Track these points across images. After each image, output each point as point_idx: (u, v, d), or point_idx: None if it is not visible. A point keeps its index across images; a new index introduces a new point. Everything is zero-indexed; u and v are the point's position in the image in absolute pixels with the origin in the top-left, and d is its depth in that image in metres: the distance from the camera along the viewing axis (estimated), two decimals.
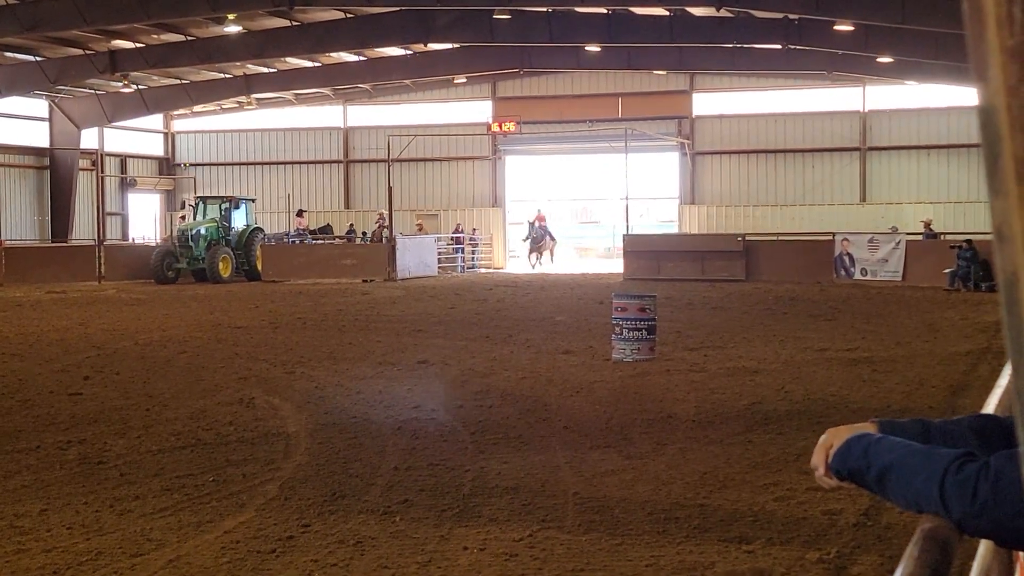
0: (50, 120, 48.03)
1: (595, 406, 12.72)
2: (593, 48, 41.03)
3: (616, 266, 41.06)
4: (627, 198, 41.59)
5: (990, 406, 3.33)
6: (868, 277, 35.00)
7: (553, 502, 8.39)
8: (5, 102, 44.03)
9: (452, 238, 47.05)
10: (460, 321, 22.70)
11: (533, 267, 45.89)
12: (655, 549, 7.26)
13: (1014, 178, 0.93)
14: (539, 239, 46.90)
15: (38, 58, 40.13)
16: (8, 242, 42.79)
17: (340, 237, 44.92)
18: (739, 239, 38.23)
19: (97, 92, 47.70)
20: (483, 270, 47.20)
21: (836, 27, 34.02)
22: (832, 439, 2.41)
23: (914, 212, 42.52)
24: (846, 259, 36.03)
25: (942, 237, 36.42)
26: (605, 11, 36.30)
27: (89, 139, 48.79)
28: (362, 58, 45.27)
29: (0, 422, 11.89)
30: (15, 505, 8.36)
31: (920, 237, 36.97)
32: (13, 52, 39.03)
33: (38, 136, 47.97)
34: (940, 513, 2.13)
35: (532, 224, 47.07)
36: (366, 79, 48.18)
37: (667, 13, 36.44)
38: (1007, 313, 0.95)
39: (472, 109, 51.14)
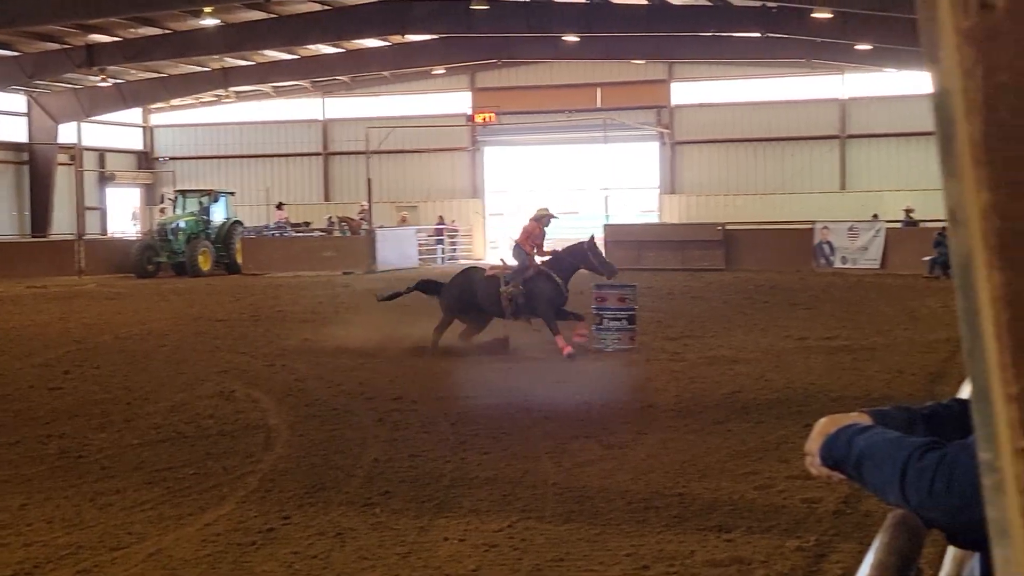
0: (28, 115, 47.78)
1: (575, 396, 12.74)
2: (571, 38, 40.97)
3: None
4: (607, 188, 41.58)
5: (964, 392, 3.35)
6: (848, 265, 35.09)
7: (533, 492, 8.39)
8: None
9: (435, 229, 46.95)
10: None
11: None
12: (635, 538, 7.27)
13: (969, 161, 0.94)
14: None
15: (15, 53, 39.89)
16: None
17: (322, 230, 44.77)
18: (719, 228, 38.27)
19: (75, 87, 47.44)
20: (464, 261, 47.16)
21: (814, 15, 34.05)
22: (828, 427, 2.40)
23: (894, 200, 42.58)
24: (826, 247, 36.13)
25: (922, 225, 36.53)
26: (583, 0, 36.29)
27: (67, 134, 48.54)
28: (340, 50, 45.13)
29: None
30: None
31: (900, 225, 37.09)
32: None
33: (16, 131, 47.70)
34: (901, 502, 2.13)
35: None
36: (344, 71, 48.04)
37: (645, 2, 36.48)
38: (961, 296, 0.96)
39: (451, 100, 51.03)
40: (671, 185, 48.52)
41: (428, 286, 18.71)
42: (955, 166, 0.93)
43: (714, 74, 47.65)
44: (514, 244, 18.25)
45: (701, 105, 48.28)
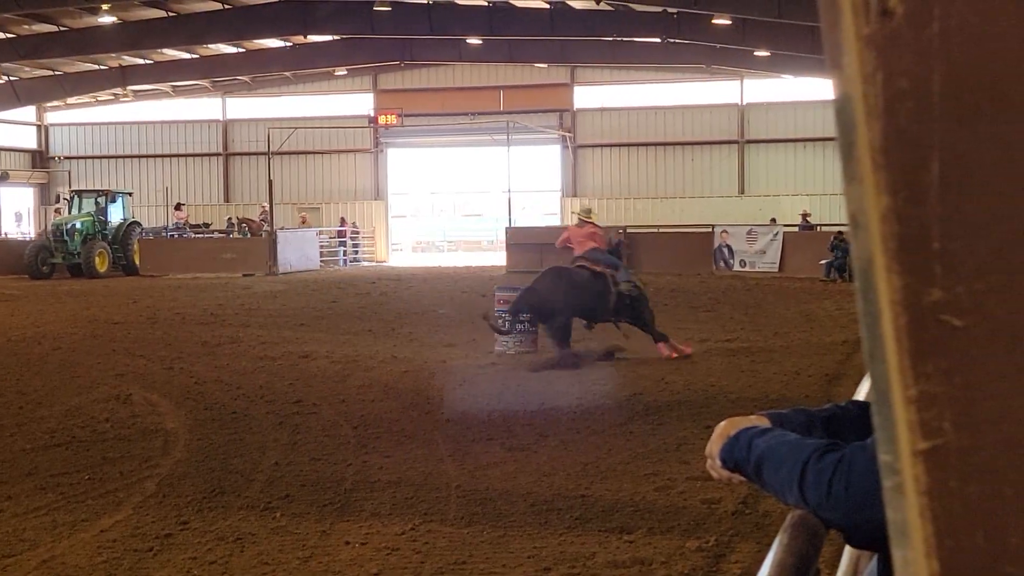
0: None
1: (478, 399, 12.73)
2: (474, 40, 41.02)
3: (499, 259, 41.13)
4: (509, 191, 41.68)
5: (861, 394, 3.40)
6: (747, 268, 35.53)
7: (436, 495, 8.38)
8: None
9: (338, 231, 46.69)
10: (343, 315, 22.57)
11: None
12: (537, 540, 7.29)
13: (869, 165, 0.94)
14: None
15: None
16: None
17: (221, 231, 44.30)
18: (620, 231, 38.55)
19: None
20: (366, 263, 47.00)
21: (714, 21, 34.47)
22: (728, 429, 2.41)
23: (791, 204, 43.25)
24: (725, 251, 36.55)
25: (819, 229, 37.14)
26: (486, 3, 36.37)
27: None
28: (241, 50, 44.71)
29: None
30: None
31: (796, 228, 37.66)
32: None
33: None
34: (800, 503, 2.15)
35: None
36: (245, 71, 47.59)
37: (547, 6, 36.62)
38: (862, 300, 0.97)
39: (353, 101, 50.81)
40: (573, 188, 48.77)
41: (537, 308, 16.17)
42: (856, 170, 0.94)
43: (616, 78, 47.99)
44: (589, 248, 17.11)
45: (603, 109, 48.61)
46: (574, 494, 8.41)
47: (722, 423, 2.44)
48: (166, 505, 8.13)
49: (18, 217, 51.95)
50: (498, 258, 42.14)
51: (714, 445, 2.41)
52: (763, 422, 2.42)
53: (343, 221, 47.70)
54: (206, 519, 7.73)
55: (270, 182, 41.84)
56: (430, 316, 22.35)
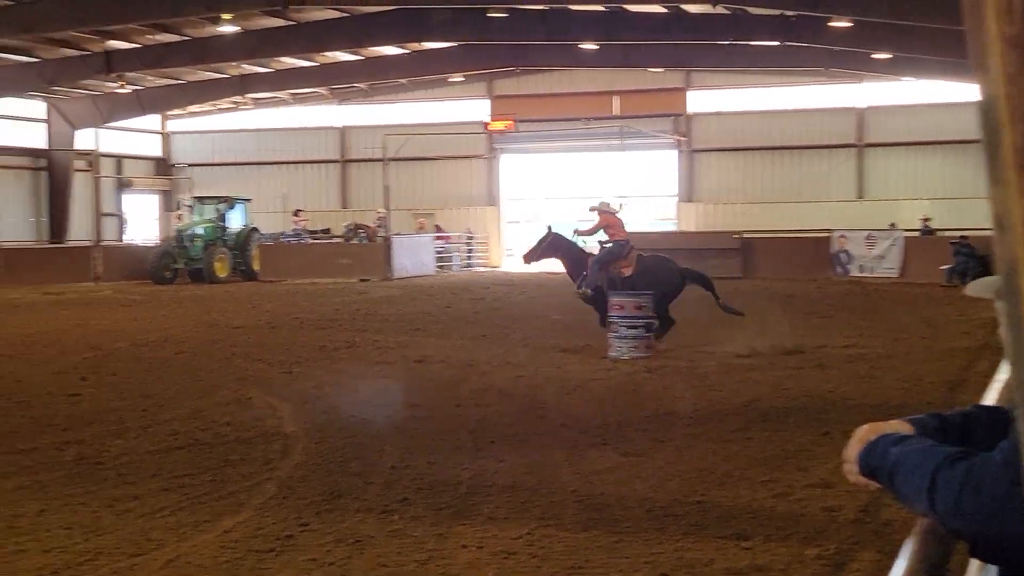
0: (48, 121, 48.00)
1: (592, 404, 12.72)
2: (589, 46, 40.95)
3: None
4: (624, 196, 41.52)
5: (988, 401, 3.32)
6: (865, 274, 35.00)
7: (551, 500, 8.38)
8: (2, 103, 43.99)
9: (435, 238, 46.84)
10: (457, 319, 22.71)
11: None
12: (653, 546, 7.25)
13: (1013, 167, 0.93)
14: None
15: (34, 59, 40.05)
16: (5, 243, 42.74)
17: (339, 237, 44.77)
18: (736, 236, 38.21)
19: (93, 93, 47.62)
20: (480, 269, 47.19)
21: (832, 23, 33.98)
22: (868, 434, 2.37)
23: (911, 209, 42.48)
24: (843, 256, 36.04)
25: (939, 234, 36.44)
26: (601, 8, 36.27)
27: (85, 140, 48.70)
28: (358, 57, 45.19)
29: None
30: (13, 506, 8.34)
31: (917, 234, 37.00)
32: (9, 54, 38.94)
33: (35, 137, 47.92)
34: (929, 512, 2.11)
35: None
36: (362, 78, 48.13)
37: (663, 10, 36.42)
38: (1007, 302, 0.95)
39: (469, 107, 51.08)
40: (688, 193, 48.47)
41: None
42: (1001, 173, 0.93)
43: (731, 82, 47.56)
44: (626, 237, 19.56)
45: (718, 113, 48.22)
46: (690, 500, 8.36)
47: (862, 427, 2.39)
48: (286, 507, 8.24)
49: (123, 222, 52.99)
50: None
51: (852, 450, 2.37)
52: (905, 428, 2.38)
53: (437, 228, 47.88)
54: (325, 521, 7.82)
55: (386, 188, 42.23)
56: (543, 321, 22.39)
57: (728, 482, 8.93)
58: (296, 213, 45.75)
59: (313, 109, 53.36)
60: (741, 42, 39.63)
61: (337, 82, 48.44)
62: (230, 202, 41.23)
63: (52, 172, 48.03)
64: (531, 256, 19.83)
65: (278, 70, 46.27)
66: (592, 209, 20.31)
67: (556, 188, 51.22)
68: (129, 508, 8.28)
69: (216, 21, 34.37)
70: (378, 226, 43.18)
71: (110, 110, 48.26)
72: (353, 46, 40.92)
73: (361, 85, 50.12)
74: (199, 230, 39.62)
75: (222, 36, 36.63)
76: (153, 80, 46.49)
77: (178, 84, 47.46)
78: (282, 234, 44.45)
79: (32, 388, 14.50)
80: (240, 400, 13.24)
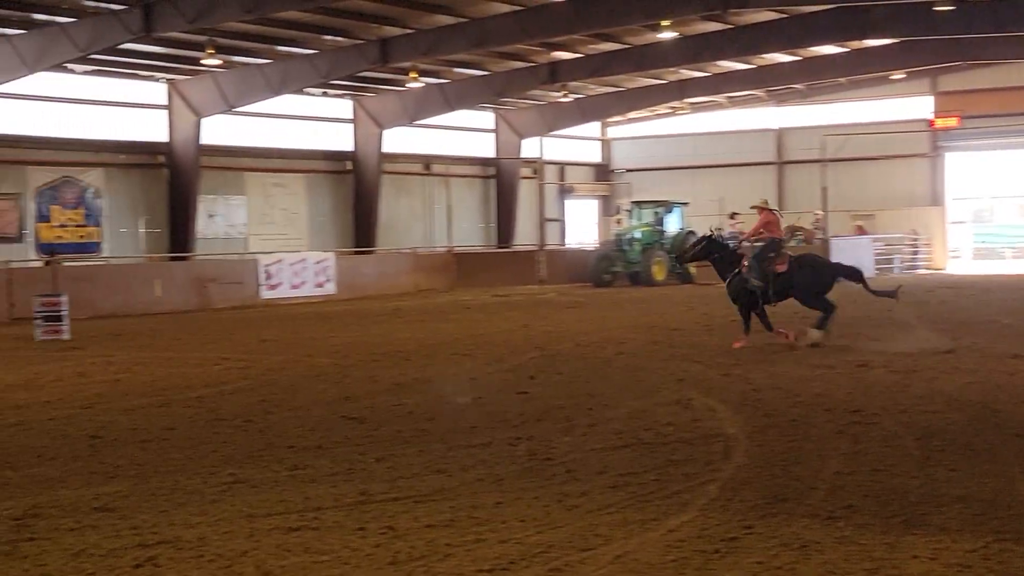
0: (496, 131, 50.43)
1: None
2: None
3: None
4: None
5: None
6: None
7: (1008, 513, 7.97)
8: (457, 116, 46.55)
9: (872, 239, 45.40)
10: (898, 323, 21.98)
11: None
12: None
13: None
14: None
15: (484, 72, 42.13)
16: (459, 248, 45.24)
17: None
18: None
19: (538, 103, 49.59)
20: (923, 271, 45.52)
21: None
22: None
23: None
24: None
25: None
26: None
27: (531, 148, 50.78)
28: (796, 58, 44.70)
29: (457, 419, 12.56)
30: (472, 497, 8.79)
31: None
32: (463, 68, 41.17)
33: (485, 147, 50.49)
34: None
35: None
36: (799, 79, 47.60)
37: None
38: None
39: (909, 105, 49.43)
40: None
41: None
42: None
43: None
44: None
45: None
46: None
47: None
48: (730, 509, 8.25)
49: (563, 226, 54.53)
50: None
51: None
52: None
53: (859, 229, 46.36)
54: (769, 525, 7.78)
55: (823, 189, 41.53)
56: (993, 326, 21.36)
57: None
58: (732, 216, 45.78)
59: (749, 112, 53.25)
60: None
61: (774, 84, 48.15)
62: (667, 206, 41.78)
63: (500, 180, 50.42)
64: (684, 258, 21.38)
65: (715, 74, 46.49)
66: (753, 207, 20.79)
67: (1003, 186, 48.71)
68: (577, 504, 8.53)
69: (656, 28, 34.94)
70: (816, 228, 42.53)
71: (554, 119, 50.09)
72: (791, 47, 40.54)
73: (798, 86, 49.54)
74: (637, 234, 40.41)
75: (661, 43, 37.19)
76: (594, 88, 47.85)
77: (617, 91, 48.60)
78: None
79: (486, 385, 15.25)
80: (680, 401, 13.38)
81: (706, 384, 14.75)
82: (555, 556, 7.18)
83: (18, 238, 34.98)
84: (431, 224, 48.40)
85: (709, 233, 20.75)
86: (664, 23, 33.95)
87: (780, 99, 52.22)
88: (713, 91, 48.93)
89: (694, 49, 38.80)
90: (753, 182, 52.83)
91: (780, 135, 52.92)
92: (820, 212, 42.79)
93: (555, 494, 8.84)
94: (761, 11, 35.56)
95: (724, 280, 19.77)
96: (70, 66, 34.39)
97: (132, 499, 8.95)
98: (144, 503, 8.81)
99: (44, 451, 11.23)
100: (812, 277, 19.10)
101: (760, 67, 45.73)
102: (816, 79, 47.94)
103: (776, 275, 19.04)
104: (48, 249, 34.79)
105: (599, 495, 8.78)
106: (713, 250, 20.01)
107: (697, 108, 53.33)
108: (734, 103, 52.77)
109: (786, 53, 43.11)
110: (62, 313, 23.57)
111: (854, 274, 19.79)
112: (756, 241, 19.91)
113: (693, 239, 40.55)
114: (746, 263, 19.34)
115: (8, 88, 32.92)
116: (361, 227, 44.09)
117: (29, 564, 7.23)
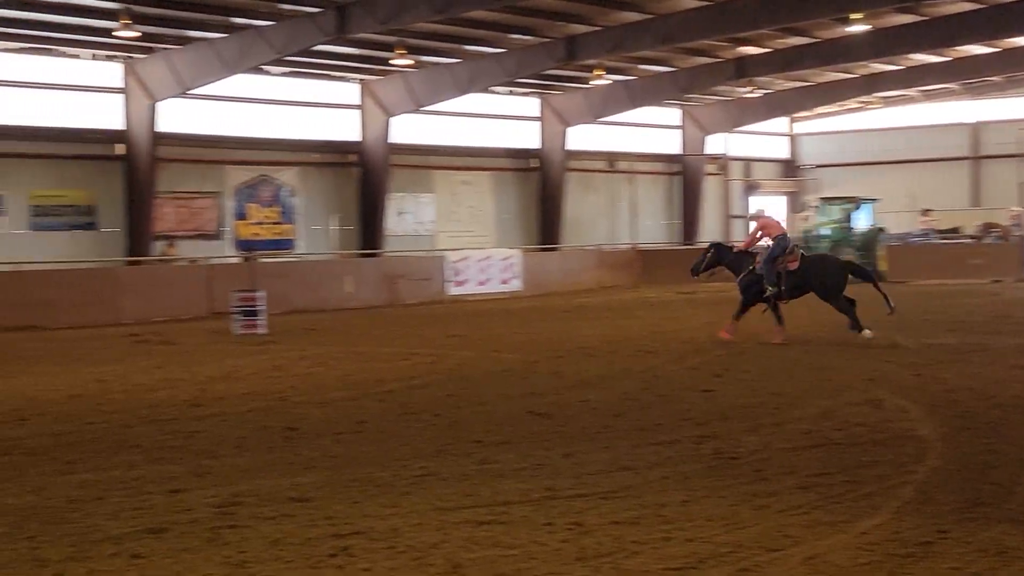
0: (681, 127, 50.16)
1: None
2: None
3: None
4: None
5: None
6: None
7: None
8: (641, 112, 46.44)
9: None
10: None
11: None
12: None
13: None
14: None
15: (670, 69, 41.94)
16: (643, 245, 45.16)
17: (970, 237, 43.14)
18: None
19: (724, 99, 49.15)
20: None
21: None
22: None
23: None
24: None
25: None
26: None
27: (715, 144, 50.33)
28: (993, 49, 43.27)
29: (641, 415, 12.59)
30: (658, 495, 8.80)
31: None
32: (649, 65, 41.07)
33: (670, 143, 50.26)
34: None
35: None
36: (997, 71, 46.03)
37: None
38: None
39: None
40: None
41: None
42: None
43: None
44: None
45: None
46: None
47: None
48: (923, 512, 8.09)
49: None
50: None
51: None
52: None
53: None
54: (966, 529, 7.60)
55: (1020, 185, 40.19)
56: None
57: None
58: (925, 212, 44.66)
59: (942, 105, 51.85)
60: None
61: (969, 76, 46.69)
62: (856, 202, 40.92)
63: (685, 176, 50.14)
64: (697, 270, 21.09)
65: (908, 67, 45.32)
66: (750, 218, 21.44)
67: None
68: (766, 504, 8.47)
69: (846, 21, 34.26)
70: (1013, 225, 41.21)
71: (739, 115, 49.58)
72: (988, 38, 39.25)
73: (996, 78, 47.97)
74: (825, 231, 39.70)
75: (852, 36, 36.42)
76: (781, 83, 47.19)
77: (805, 86, 47.82)
78: (909, 234, 43.55)
79: (671, 383, 15.22)
80: (870, 401, 13.16)
81: (897, 384, 14.46)
82: (744, 556, 7.15)
83: (217, 235, 36.24)
84: (615, 221, 48.45)
85: (710, 245, 21.83)
86: (855, 16, 33.26)
87: (976, 92, 50.68)
88: (905, 84, 47.71)
89: (885, 42, 37.88)
90: (946, 178, 51.45)
91: (975, 129, 51.37)
92: (1017, 208, 41.42)
93: (743, 493, 8.79)
94: (957, 2, 34.57)
95: (737, 276, 20.58)
96: (267, 68, 35.48)
97: (326, 490, 9.21)
98: (338, 494, 9.06)
99: (243, 442, 11.61)
100: (827, 274, 19.82)
101: (955, 59, 44.42)
102: (1015, 71, 46.35)
103: (788, 272, 19.74)
104: (245, 246, 36.00)
105: (788, 495, 8.70)
106: (723, 255, 20.92)
107: (889, 102, 52.14)
108: (927, 96, 51.43)
109: (983, 44, 41.78)
110: (259, 308, 24.30)
111: (864, 273, 20.53)
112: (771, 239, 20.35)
113: (883, 236, 40.07)
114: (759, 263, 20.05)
115: (209, 90, 34.13)
116: (546, 224, 44.41)
117: (231, 551, 7.51)
